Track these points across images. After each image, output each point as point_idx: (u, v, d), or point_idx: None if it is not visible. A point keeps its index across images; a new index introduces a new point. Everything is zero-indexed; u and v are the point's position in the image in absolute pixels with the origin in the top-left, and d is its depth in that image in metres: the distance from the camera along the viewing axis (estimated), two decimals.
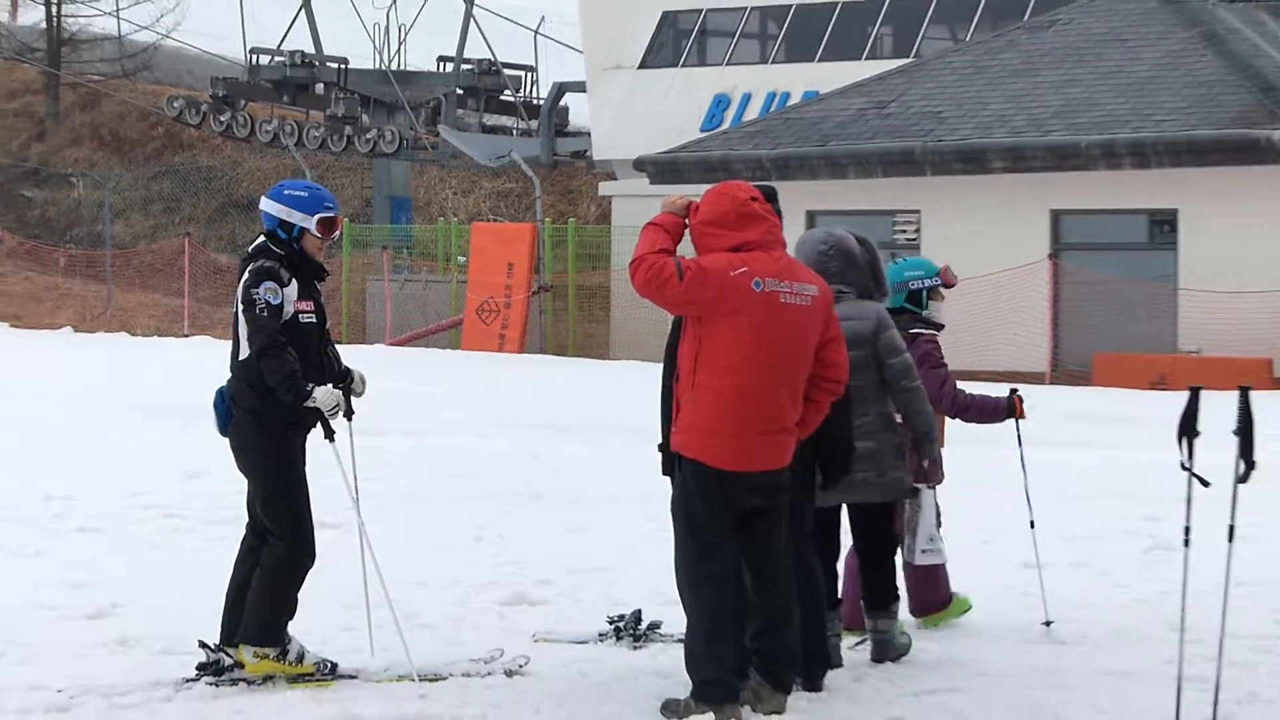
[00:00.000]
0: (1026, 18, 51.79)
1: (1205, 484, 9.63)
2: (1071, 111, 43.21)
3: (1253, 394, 9.68)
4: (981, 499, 19.87)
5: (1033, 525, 15.04)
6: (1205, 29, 44.38)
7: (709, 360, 11.56)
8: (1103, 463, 25.43)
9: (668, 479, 12.07)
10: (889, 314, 14.02)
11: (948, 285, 14.96)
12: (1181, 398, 9.85)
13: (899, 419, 13.48)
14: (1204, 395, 9.78)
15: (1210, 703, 9.83)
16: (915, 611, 14.91)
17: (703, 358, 11.58)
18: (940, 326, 14.87)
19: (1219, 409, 9.63)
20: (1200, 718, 9.92)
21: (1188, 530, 9.75)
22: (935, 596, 14.90)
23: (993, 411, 14.75)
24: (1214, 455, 9.69)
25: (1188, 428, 9.69)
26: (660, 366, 12.25)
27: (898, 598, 13.65)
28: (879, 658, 13.49)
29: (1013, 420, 14.82)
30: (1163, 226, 41.65)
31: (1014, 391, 14.83)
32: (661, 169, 47.02)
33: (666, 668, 12.68)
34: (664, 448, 12.06)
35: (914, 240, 43.75)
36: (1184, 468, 9.70)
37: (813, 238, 13.44)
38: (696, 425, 11.65)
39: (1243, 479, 9.73)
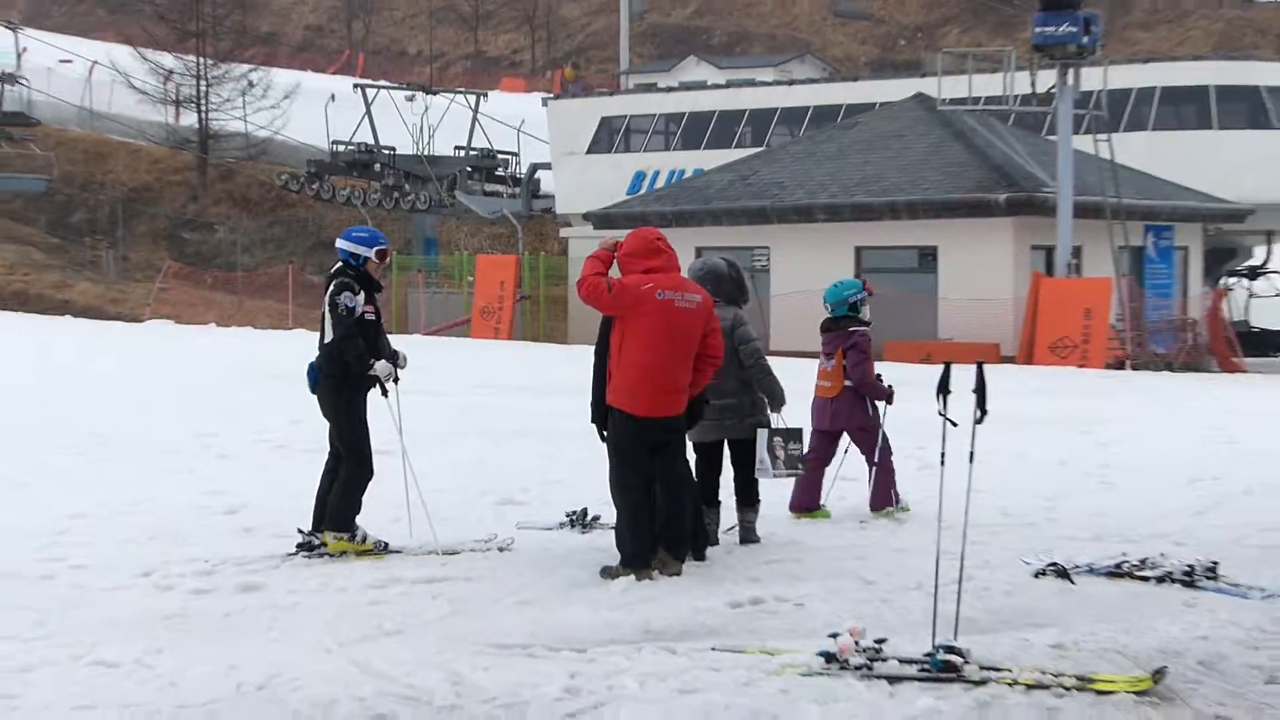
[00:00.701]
0: (839, 120, 51.90)
1: (954, 424, 9.65)
2: (869, 182, 43.27)
3: (985, 366, 9.72)
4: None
5: (873, 466, 15.16)
6: (955, 129, 44.47)
7: (630, 345, 11.74)
8: (889, 412, 25.41)
9: (593, 425, 12.40)
10: (830, 319, 15.34)
11: (870, 294, 15.42)
12: (938, 369, 9.88)
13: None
14: (954, 368, 9.80)
15: (958, 567, 9.84)
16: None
17: (625, 343, 11.78)
18: (868, 323, 15.30)
19: (963, 376, 9.64)
20: (951, 579, 9.93)
21: (943, 455, 9.77)
22: (884, 497, 15.19)
23: (880, 393, 15.03)
24: (960, 406, 9.70)
25: (942, 388, 9.71)
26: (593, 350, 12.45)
27: (759, 500, 13.65)
28: (744, 540, 13.50)
29: (885, 403, 15.22)
30: (928, 257, 41.72)
31: (890, 387, 15.08)
32: (601, 219, 46.93)
33: (604, 545, 12.67)
34: (594, 404, 12.31)
35: (765, 266, 43.77)
36: (940, 414, 9.71)
37: (694, 265, 13.61)
38: (622, 387, 11.82)
39: (979, 421, 9.74)
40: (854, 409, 15.12)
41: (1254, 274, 50.71)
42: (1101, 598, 11.21)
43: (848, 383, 15.05)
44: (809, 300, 41.07)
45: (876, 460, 15.05)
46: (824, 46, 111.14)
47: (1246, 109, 50.00)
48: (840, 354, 15.03)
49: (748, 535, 13.54)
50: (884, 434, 15.16)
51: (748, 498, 13.59)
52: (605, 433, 12.20)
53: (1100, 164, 40.16)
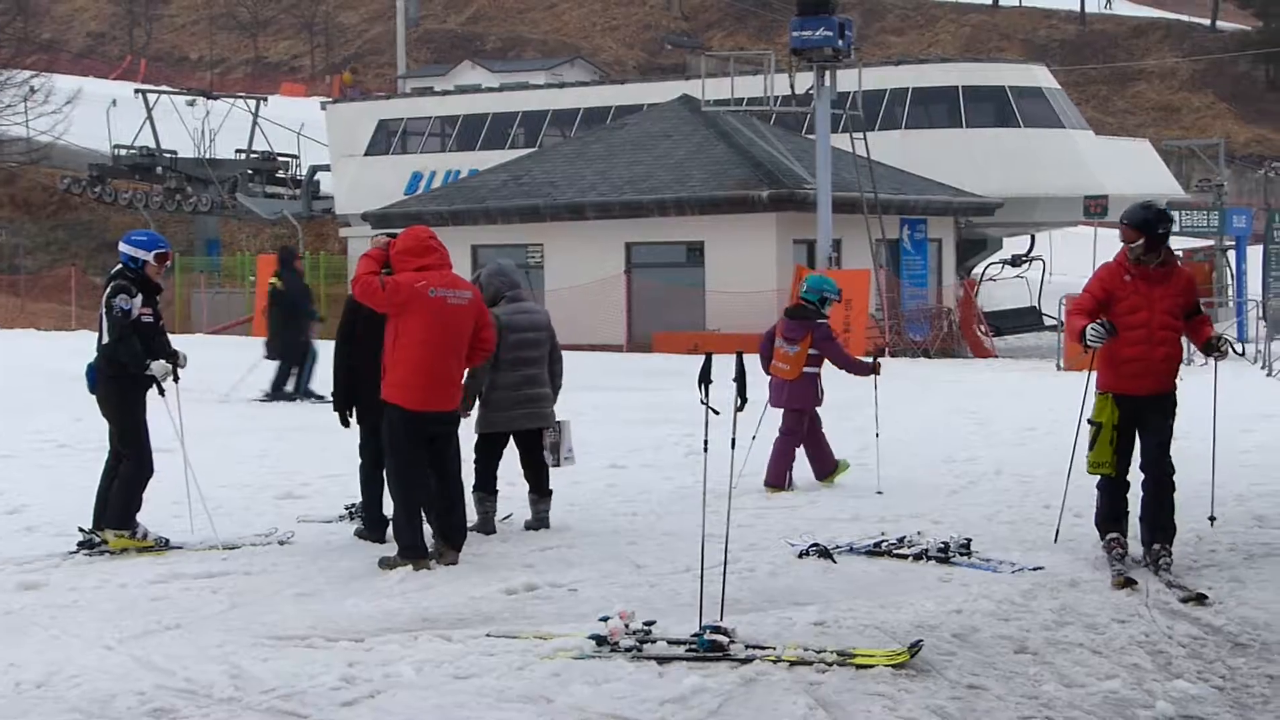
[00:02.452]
0: (609, 121, 52.03)
1: (716, 412, 9.66)
2: (637, 180, 43.40)
3: (745, 356, 9.76)
4: (589, 424, 19.84)
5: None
6: (719, 129, 44.79)
7: (403, 341, 11.67)
8: (657, 400, 25.56)
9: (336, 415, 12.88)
10: (799, 306, 15.90)
11: (839, 302, 16.69)
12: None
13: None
14: (715, 357, 9.80)
15: (723, 549, 9.88)
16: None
17: (399, 339, 11.70)
18: (826, 317, 15.90)
19: (727, 366, 9.67)
20: (717, 562, 9.97)
21: (706, 442, 9.77)
22: (778, 475, 15.62)
23: (861, 368, 15.68)
24: (722, 394, 9.72)
25: (704, 377, 9.71)
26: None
27: (550, 490, 13.57)
28: (534, 526, 13.42)
29: (873, 376, 15.98)
30: (695, 252, 41.92)
31: (877, 359, 15.90)
32: (379, 219, 46.46)
33: (383, 537, 12.57)
34: (335, 392, 12.85)
35: (539, 263, 43.68)
36: (703, 402, 9.71)
37: (490, 267, 13.71)
38: (397, 382, 11.74)
39: (739, 409, 9.79)
40: (805, 392, 15.74)
41: (1016, 262, 51.75)
42: (861, 576, 11.32)
43: (807, 369, 15.68)
44: (580, 295, 41.40)
45: (782, 431, 15.72)
46: (594, 51, 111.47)
47: (993, 108, 51.10)
48: (806, 341, 15.41)
49: (541, 523, 13.44)
50: (816, 415, 15.89)
51: (544, 486, 13.52)
52: (347, 420, 12.66)
53: (857, 161, 40.69)
